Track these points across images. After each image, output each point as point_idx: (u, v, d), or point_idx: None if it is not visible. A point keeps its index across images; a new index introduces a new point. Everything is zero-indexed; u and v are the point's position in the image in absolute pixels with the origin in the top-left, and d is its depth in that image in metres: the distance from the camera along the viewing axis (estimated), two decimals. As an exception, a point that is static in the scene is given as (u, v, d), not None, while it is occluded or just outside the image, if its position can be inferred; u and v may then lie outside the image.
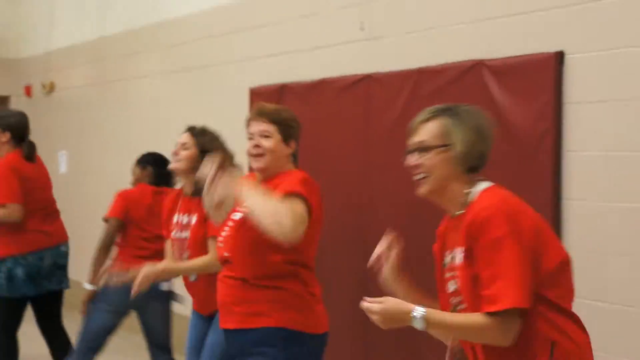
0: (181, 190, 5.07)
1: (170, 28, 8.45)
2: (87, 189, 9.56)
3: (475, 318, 2.67)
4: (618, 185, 4.30)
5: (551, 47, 4.58)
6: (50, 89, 11.07)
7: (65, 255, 6.36)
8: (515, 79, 4.74)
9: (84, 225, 8.33)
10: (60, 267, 6.24)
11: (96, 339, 5.63)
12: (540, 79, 4.60)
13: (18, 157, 6.21)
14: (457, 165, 2.83)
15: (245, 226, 3.75)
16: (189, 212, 4.89)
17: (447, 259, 2.88)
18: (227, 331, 3.93)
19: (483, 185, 2.85)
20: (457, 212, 2.84)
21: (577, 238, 4.47)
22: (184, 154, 4.90)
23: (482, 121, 2.88)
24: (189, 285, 4.91)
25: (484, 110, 2.96)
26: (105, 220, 5.76)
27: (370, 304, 2.73)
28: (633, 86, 4.23)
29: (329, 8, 6.18)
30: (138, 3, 9.11)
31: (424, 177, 2.87)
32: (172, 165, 5.00)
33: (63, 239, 6.35)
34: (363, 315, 2.83)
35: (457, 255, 2.79)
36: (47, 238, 6.23)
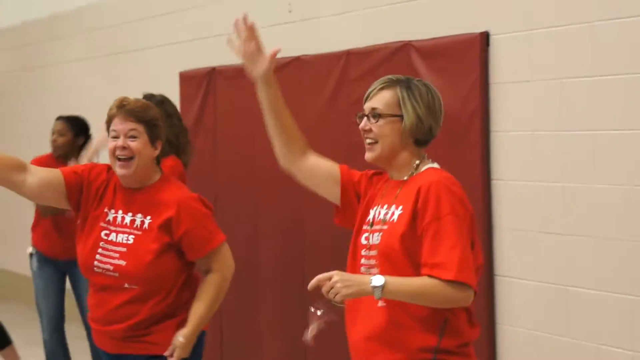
0: None
1: (95, 12, 8.33)
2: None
3: (435, 285, 2.77)
4: (544, 165, 4.38)
5: (477, 28, 4.64)
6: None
7: None
8: (442, 60, 4.79)
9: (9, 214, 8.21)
10: None
11: None
12: (466, 60, 4.66)
13: None
14: (406, 136, 2.93)
15: None
16: None
17: (374, 213, 2.96)
18: None
19: (432, 164, 2.98)
20: (402, 177, 2.95)
21: (506, 218, 4.55)
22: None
23: (433, 96, 2.97)
24: None
25: (434, 87, 3.03)
26: None
27: (324, 274, 2.77)
28: (556, 66, 4.31)
29: (256, -10, 6.16)
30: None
31: (373, 143, 2.96)
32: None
33: None
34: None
35: (392, 212, 2.89)
36: None
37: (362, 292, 2.76)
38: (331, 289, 2.75)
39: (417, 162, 2.95)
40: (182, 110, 6.14)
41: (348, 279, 2.77)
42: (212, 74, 6.44)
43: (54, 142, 6.10)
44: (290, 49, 5.76)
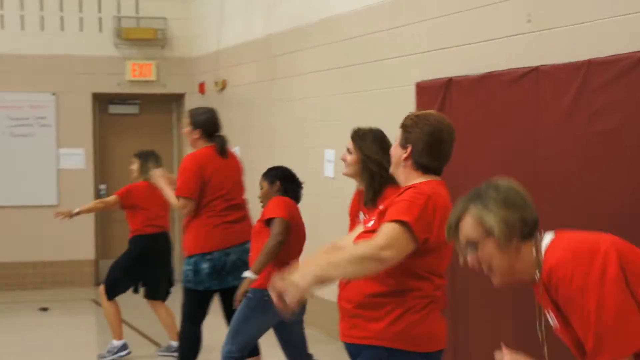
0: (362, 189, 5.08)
1: (335, 24, 8.57)
2: (254, 184, 9.82)
3: None
4: None
5: None
6: (222, 86, 11.44)
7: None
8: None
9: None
10: (244, 263, 6.37)
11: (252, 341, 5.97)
12: None
13: (210, 152, 6.51)
14: (507, 245, 2.82)
15: None
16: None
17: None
18: None
19: (547, 238, 2.86)
20: (535, 277, 2.83)
21: None
22: (349, 158, 4.99)
23: (509, 191, 2.88)
24: None
25: (502, 179, 2.96)
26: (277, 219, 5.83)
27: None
28: None
29: (495, 0, 6.14)
30: (304, 0, 9.28)
31: (490, 272, 2.87)
32: (343, 171, 5.10)
33: (249, 237, 6.39)
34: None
35: (550, 317, 2.84)
36: (234, 236, 6.48)
37: None
38: None
39: (535, 251, 2.82)
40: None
41: None
42: (448, 84, 6.47)
43: None
44: (529, 59, 5.71)
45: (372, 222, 3.88)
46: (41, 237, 11.86)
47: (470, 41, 6.41)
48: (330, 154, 8.60)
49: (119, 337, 8.03)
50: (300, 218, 6.00)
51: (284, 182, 6.05)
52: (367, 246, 3.61)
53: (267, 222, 5.82)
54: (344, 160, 5.00)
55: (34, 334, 9.38)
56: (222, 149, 6.57)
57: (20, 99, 11.91)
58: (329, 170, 8.60)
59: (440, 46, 6.78)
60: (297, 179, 6.13)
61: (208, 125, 6.59)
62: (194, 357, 6.54)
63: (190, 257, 6.41)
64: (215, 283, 6.40)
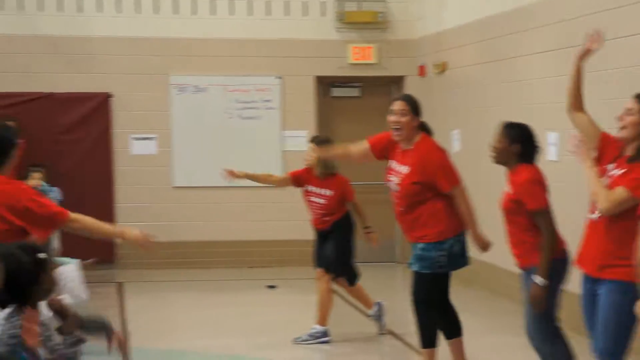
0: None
1: (560, 3, 8.37)
2: (480, 167, 9.76)
3: None
4: None
5: None
6: (442, 68, 11.43)
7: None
8: None
9: (477, 203, 8.54)
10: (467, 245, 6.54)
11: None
12: None
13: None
14: None
15: None
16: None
17: None
18: None
19: None
20: None
21: None
22: (629, 119, 5.00)
23: None
24: None
25: None
26: (540, 212, 5.65)
27: None
28: None
29: None
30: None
31: None
32: (618, 133, 5.11)
33: None
34: None
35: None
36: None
37: None
38: None
39: None
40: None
41: None
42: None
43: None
44: None
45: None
46: (267, 217, 12.31)
47: None
48: (553, 137, 8.42)
49: (323, 323, 8.19)
50: None
51: (524, 144, 5.79)
52: None
53: (529, 210, 5.64)
54: (621, 119, 5.14)
55: (261, 310, 9.78)
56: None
57: (248, 82, 12.38)
58: (552, 154, 8.43)
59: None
60: (536, 140, 5.88)
61: (420, 113, 6.60)
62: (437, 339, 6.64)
63: (441, 242, 6.44)
64: (462, 261, 6.51)
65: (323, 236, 8.32)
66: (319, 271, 8.27)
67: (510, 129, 5.86)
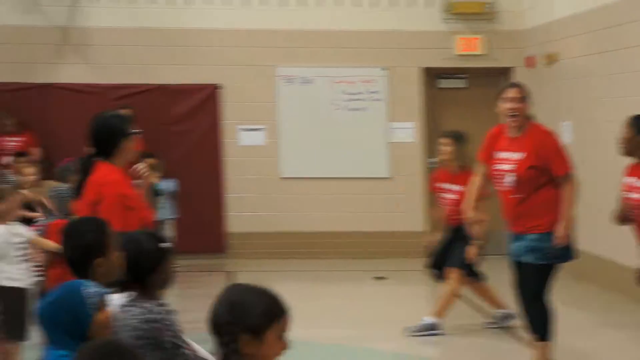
0: None
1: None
2: (593, 159, 9.58)
3: None
4: None
5: None
6: (551, 59, 11.24)
7: None
8: None
9: (589, 195, 8.40)
10: None
11: None
12: None
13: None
14: None
15: None
16: None
17: None
18: None
19: None
20: None
21: None
22: None
23: None
24: None
25: None
26: None
27: None
28: None
29: None
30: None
31: None
32: None
33: None
34: None
35: None
36: None
37: None
38: None
39: None
40: None
41: None
42: None
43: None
44: None
45: None
46: (373, 208, 12.32)
47: None
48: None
49: (441, 315, 8.10)
50: None
51: None
52: None
53: None
54: None
55: (368, 302, 9.81)
56: None
57: (354, 74, 12.40)
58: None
59: None
60: None
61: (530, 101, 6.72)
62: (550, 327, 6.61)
63: (554, 232, 6.41)
64: (574, 252, 6.54)
65: (455, 232, 8.03)
66: (451, 270, 8.02)
67: (637, 120, 5.88)
